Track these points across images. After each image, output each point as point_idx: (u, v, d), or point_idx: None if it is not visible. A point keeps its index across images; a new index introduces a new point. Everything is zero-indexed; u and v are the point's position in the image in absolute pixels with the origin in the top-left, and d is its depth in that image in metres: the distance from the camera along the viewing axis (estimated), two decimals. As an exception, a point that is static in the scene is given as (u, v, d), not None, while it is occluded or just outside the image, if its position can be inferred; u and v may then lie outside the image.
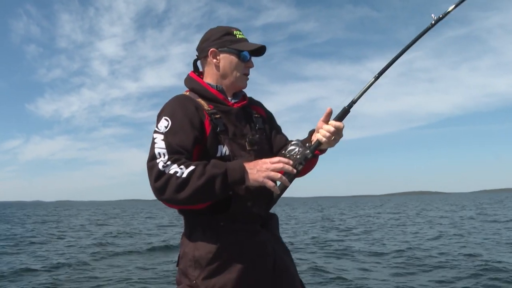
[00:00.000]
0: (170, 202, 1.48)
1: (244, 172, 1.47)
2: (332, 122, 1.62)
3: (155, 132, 1.57)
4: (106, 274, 8.03)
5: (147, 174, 1.51)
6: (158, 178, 1.45)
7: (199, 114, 1.62)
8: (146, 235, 16.12)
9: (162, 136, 1.54)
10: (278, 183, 1.54)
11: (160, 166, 1.46)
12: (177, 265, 1.69)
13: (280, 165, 1.48)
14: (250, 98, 1.87)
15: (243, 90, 1.81)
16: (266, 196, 1.65)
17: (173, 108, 1.62)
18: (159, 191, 1.46)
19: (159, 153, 1.49)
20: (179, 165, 1.46)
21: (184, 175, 1.43)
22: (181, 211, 1.69)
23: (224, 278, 1.54)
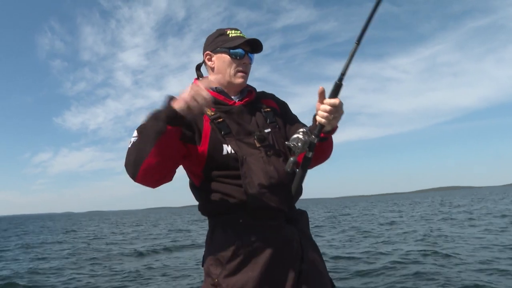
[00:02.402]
0: (132, 172, 1.45)
1: (167, 103, 1.41)
2: (327, 100, 1.54)
3: None
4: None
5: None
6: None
7: (196, 118, 1.60)
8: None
9: None
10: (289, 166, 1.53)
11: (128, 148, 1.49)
12: (202, 265, 1.69)
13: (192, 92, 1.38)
14: (261, 93, 1.85)
15: (250, 85, 1.81)
16: (284, 189, 1.62)
17: None
18: (126, 169, 1.46)
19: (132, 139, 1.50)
20: (133, 136, 1.48)
21: (133, 138, 1.46)
22: (204, 212, 1.70)
23: (245, 276, 1.53)
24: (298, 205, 1.79)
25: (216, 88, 1.73)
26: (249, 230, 1.58)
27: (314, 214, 32.29)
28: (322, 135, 1.61)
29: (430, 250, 8.76)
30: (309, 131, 1.61)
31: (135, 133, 1.47)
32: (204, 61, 1.79)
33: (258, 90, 1.84)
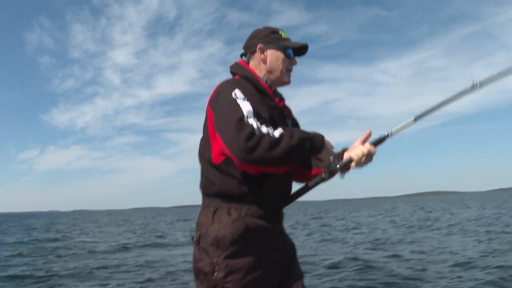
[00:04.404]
0: (259, 161, 1.49)
1: (324, 142, 1.65)
2: (367, 144, 1.70)
3: (234, 97, 1.58)
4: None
5: (231, 133, 1.50)
6: (250, 137, 1.47)
7: (260, 99, 1.69)
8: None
9: (247, 102, 1.57)
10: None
11: (255, 125, 1.49)
12: (197, 244, 1.70)
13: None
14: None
15: (280, 92, 1.92)
16: (288, 190, 1.81)
17: (243, 85, 1.68)
18: (250, 150, 1.46)
19: (248, 115, 1.52)
20: (267, 127, 1.52)
21: (277, 135, 1.50)
22: (209, 191, 1.74)
23: (243, 260, 1.62)
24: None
25: (266, 80, 1.83)
26: (253, 218, 1.67)
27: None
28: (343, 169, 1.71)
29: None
30: (336, 157, 1.71)
31: (297, 137, 1.54)
32: (252, 52, 1.86)
33: None
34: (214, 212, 1.70)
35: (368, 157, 1.69)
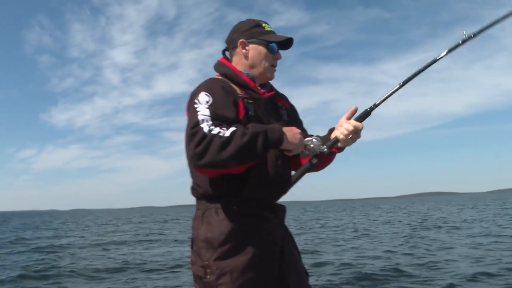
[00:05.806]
0: (210, 164, 1.46)
1: (282, 132, 1.57)
2: (352, 121, 1.69)
3: (195, 104, 1.58)
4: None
5: (186, 142, 1.51)
6: (200, 142, 1.45)
7: (234, 95, 1.66)
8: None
9: (205, 106, 1.56)
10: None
11: (206, 129, 1.47)
12: (192, 247, 1.71)
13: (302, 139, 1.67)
14: (276, 90, 1.90)
15: (270, 81, 1.87)
16: (280, 183, 1.73)
17: (211, 86, 1.65)
18: (199, 155, 1.44)
19: (202, 119, 1.50)
20: (221, 127, 1.48)
21: (227, 134, 1.45)
22: (197, 194, 1.73)
23: (235, 260, 1.58)
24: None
25: (248, 74, 1.78)
26: (241, 217, 1.63)
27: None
28: (333, 150, 1.73)
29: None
30: (321, 140, 1.73)
31: (250, 134, 1.49)
32: (234, 47, 1.81)
33: None
34: (203, 214, 1.68)
35: (354, 133, 1.68)
